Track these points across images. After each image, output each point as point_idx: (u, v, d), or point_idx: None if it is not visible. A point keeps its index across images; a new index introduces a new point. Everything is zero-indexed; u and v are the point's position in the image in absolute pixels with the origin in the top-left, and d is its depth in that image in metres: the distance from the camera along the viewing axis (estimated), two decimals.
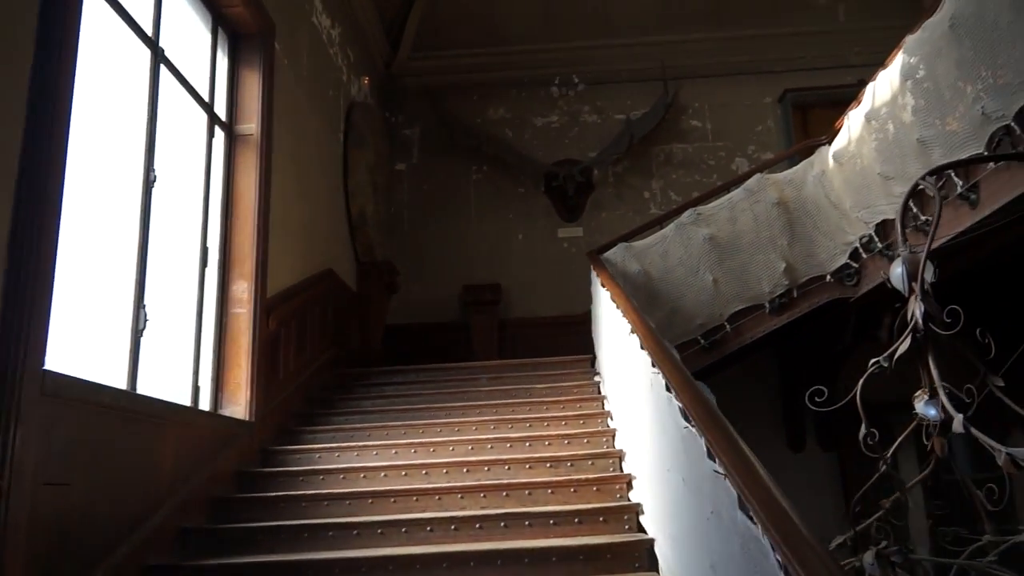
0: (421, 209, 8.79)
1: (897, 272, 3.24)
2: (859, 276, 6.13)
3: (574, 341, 7.94)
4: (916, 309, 3.14)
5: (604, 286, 5.11)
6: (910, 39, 4.91)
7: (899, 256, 3.25)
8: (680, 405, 2.61)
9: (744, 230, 6.34)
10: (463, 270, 8.51)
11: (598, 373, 5.76)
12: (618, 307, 4.43)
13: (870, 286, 6.04)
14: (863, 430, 3.22)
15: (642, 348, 3.50)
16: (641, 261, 6.25)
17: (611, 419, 4.69)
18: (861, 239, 5.84)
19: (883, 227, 5.58)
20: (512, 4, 9.03)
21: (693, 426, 2.40)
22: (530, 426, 4.72)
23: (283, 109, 5.38)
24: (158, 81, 4.03)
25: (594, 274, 6.02)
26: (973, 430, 2.79)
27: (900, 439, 3.53)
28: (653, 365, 3.19)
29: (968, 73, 4.35)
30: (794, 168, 6.52)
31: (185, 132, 4.46)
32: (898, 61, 5.03)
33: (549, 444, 4.40)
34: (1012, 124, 3.98)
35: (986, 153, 4.23)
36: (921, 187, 4.80)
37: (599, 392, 5.37)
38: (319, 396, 5.54)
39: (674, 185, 8.80)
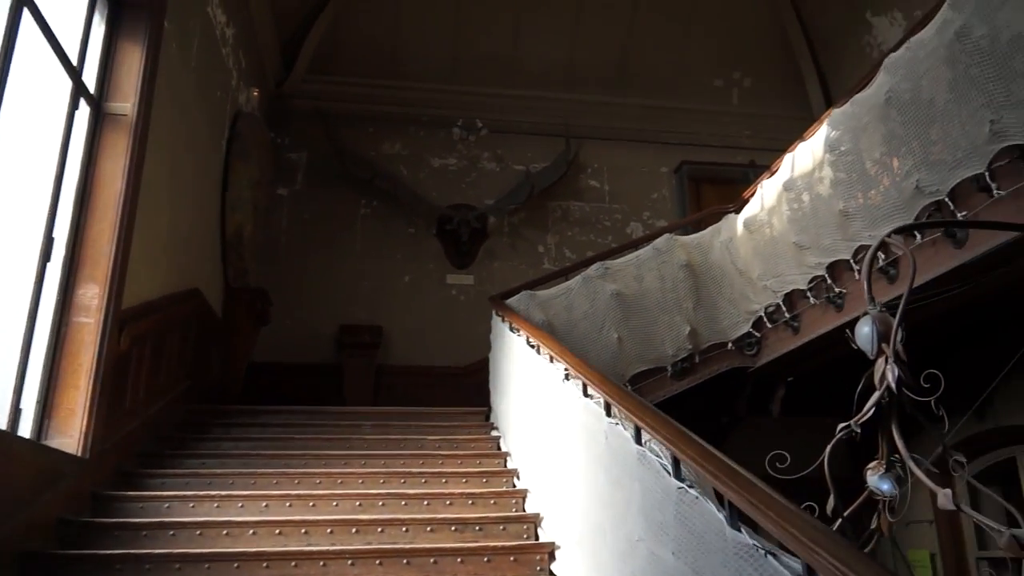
0: (301, 238, 8.05)
1: (865, 331, 2.98)
2: (760, 346, 6.05)
3: (457, 395, 7.42)
4: (888, 372, 2.89)
5: (520, 330, 4.65)
6: (836, 112, 4.94)
7: (867, 314, 3.00)
8: (663, 460, 2.17)
9: (650, 289, 6.14)
10: (341, 308, 7.81)
11: (495, 427, 5.24)
12: (543, 351, 3.98)
13: (769, 357, 5.98)
14: (831, 502, 2.90)
15: (586, 395, 3.05)
16: (545, 311, 5.86)
17: (518, 479, 4.18)
18: (767, 308, 5.77)
19: (791, 297, 5.52)
20: (419, 39, 8.68)
21: (693, 487, 1.96)
22: (426, 482, 4.11)
23: (166, 96, 4.64)
24: (17, 26, 3.26)
25: (499, 319, 5.58)
26: (966, 508, 2.52)
27: (846, 513, 3.25)
28: (609, 413, 2.74)
29: (896, 148, 4.37)
30: (701, 233, 6.45)
31: (42, 98, 3.66)
32: (821, 133, 5.04)
33: (451, 504, 3.82)
34: (945, 199, 3.97)
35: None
36: (844, 258, 4.80)
37: (499, 448, 4.85)
38: (171, 434, 4.65)
39: (569, 242, 8.60)
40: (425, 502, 3.79)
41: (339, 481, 4.05)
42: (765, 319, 5.81)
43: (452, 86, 8.80)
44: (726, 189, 8.92)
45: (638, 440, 2.47)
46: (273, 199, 7.96)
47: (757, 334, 5.96)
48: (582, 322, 5.95)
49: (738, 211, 6.41)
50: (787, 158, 5.46)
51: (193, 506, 3.64)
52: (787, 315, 5.56)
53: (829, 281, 5.02)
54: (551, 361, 3.86)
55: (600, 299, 5.98)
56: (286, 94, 8.48)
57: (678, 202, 8.87)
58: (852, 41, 8.80)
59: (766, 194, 5.75)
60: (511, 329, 4.96)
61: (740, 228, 6.08)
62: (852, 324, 4.94)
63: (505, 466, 4.49)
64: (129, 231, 3.98)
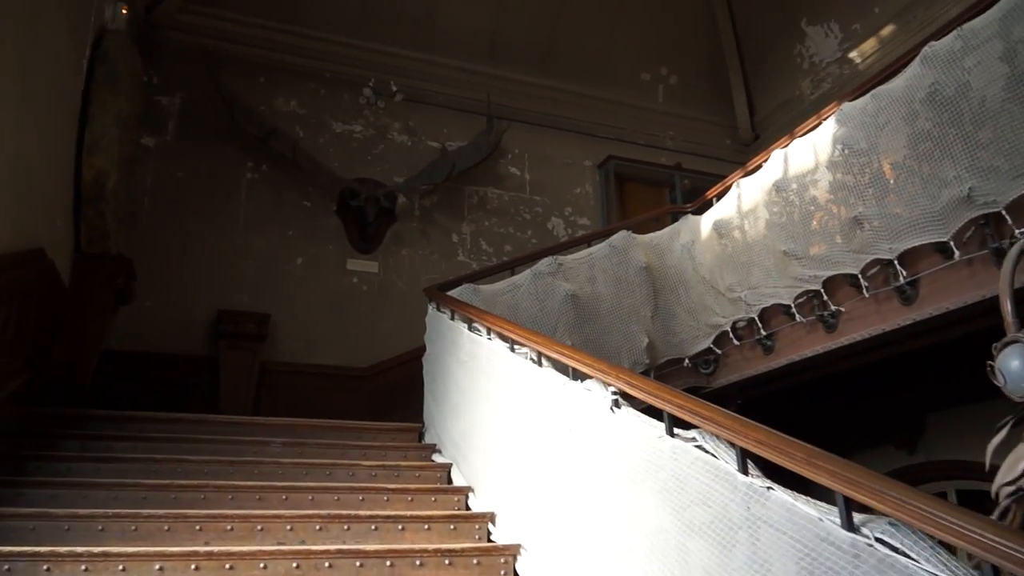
0: (171, 201, 6.59)
1: (1014, 366, 2.34)
2: (717, 364, 5.47)
3: (357, 402, 6.38)
4: None
5: (489, 330, 3.71)
6: (847, 106, 4.41)
7: (1016, 342, 2.36)
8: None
9: (604, 293, 5.40)
10: (219, 290, 6.45)
11: (437, 450, 4.25)
12: (535, 354, 3.08)
13: (728, 378, 5.41)
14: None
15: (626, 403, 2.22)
16: (489, 309, 4.93)
17: (494, 524, 3.25)
18: (735, 323, 5.18)
19: (767, 312, 4.96)
20: None
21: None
22: (376, 529, 3.09)
23: None
24: None
25: (442, 315, 4.59)
26: None
27: None
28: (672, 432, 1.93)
29: (929, 151, 3.87)
30: (659, 233, 5.79)
31: None
32: (826, 129, 4.51)
33: (422, 565, 2.82)
34: (1002, 212, 3.48)
35: (950, 240, 3.72)
36: (851, 272, 4.26)
37: (450, 479, 3.88)
38: (3, 450, 3.29)
39: (486, 233, 7.70)
40: (388, 562, 2.77)
41: (259, 528, 2.93)
42: (731, 335, 5.23)
43: (360, 41, 7.65)
44: (652, 190, 8.44)
45: (744, 469, 1.70)
46: (137, 149, 6.44)
47: (718, 351, 5.37)
48: (529, 325, 5.08)
49: (697, 212, 5.83)
50: (776, 155, 4.89)
51: (48, 569, 2.41)
52: (761, 332, 4.99)
53: (825, 297, 4.48)
54: (550, 366, 2.99)
55: (552, 300, 5.16)
56: (157, 23, 6.97)
57: (602, 200, 8.23)
58: (783, 50, 8.57)
59: (744, 194, 5.16)
60: (471, 328, 4.00)
61: (705, 231, 5.47)
62: (847, 348, 4.56)
63: (467, 506, 3.54)
64: None
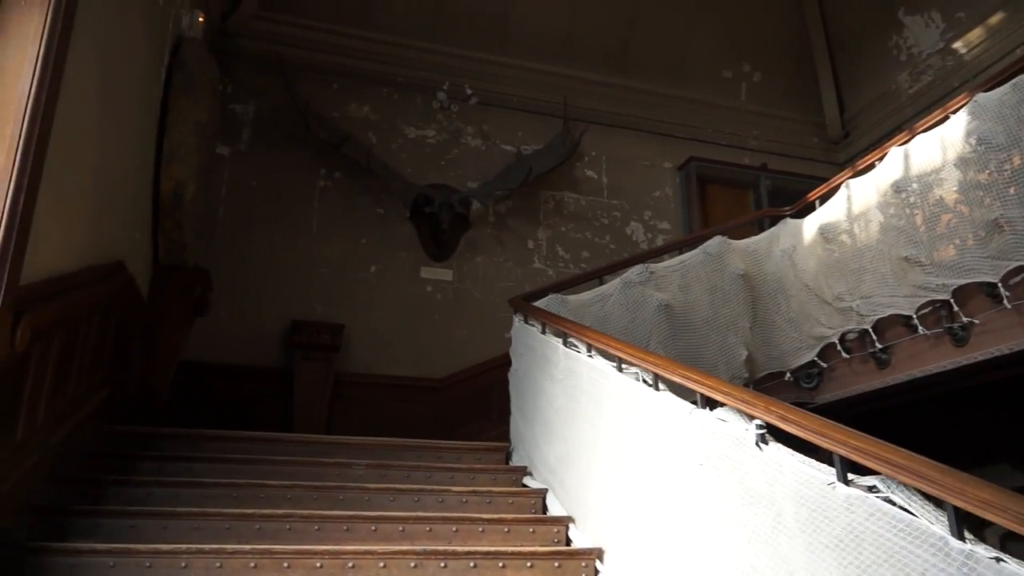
0: (244, 211, 6.49)
1: None
2: (821, 379, 5.05)
3: (433, 414, 6.18)
4: None
5: (589, 342, 3.40)
6: (982, 97, 3.96)
7: None
8: None
9: (698, 302, 5.04)
10: (292, 300, 6.32)
11: (528, 472, 3.97)
12: (658, 372, 2.76)
13: (835, 394, 4.98)
14: None
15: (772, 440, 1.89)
16: (577, 320, 4.63)
17: (601, 562, 2.94)
18: (844, 334, 4.76)
19: (883, 323, 4.52)
20: None
21: None
22: (476, 567, 2.82)
23: None
24: None
25: (531, 328, 4.31)
26: None
27: None
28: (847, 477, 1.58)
29: None
30: (756, 238, 5.40)
31: None
32: (957, 123, 4.06)
33: None
34: None
35: None
36: (990, 280, 3.81)
37: (545, 506, 3.59)
38: (82, 475, 3.14)
39: (562, 239, 7.40)
40: None
41: (351, 565, 2.69)
42: (839, 347, 4.81)
43: (432, 44, 7.45)
44: (734, 192, 8.01)
45: (960, 534, 1.35)
46: (213, 158, 6.37)
47: (823, 364, 4.95)
48: (620, 337, 4.76)
49: (797, 215, 5.42)
50: (895, 153, 4.46)
51: None
52: (876, 345, 4.55)
53: (955, 308, 4.04)
54: (667, 389, 2.67)
55: (645, 310, 4.83)
56: (231, 31, 6.90)
57: (682, 203, 7.85)
58: (876, 42, 8.03)
59: (855, 196, 4.74)
60: (567, 344, 3.71)
61: (809, 235, 5.06)
62: (980, 364, 4.10)
63: (568, 538, 3.24)
64: (38, 162, 2.50)
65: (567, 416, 3.56)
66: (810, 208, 5.29)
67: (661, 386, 2.78)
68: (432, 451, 4.13)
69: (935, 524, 1.58)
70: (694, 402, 2.56)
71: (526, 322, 4.42)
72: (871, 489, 1.77)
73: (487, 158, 7.40)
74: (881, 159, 4.61)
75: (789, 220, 5.35)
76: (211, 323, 5.62)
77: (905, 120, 7.78)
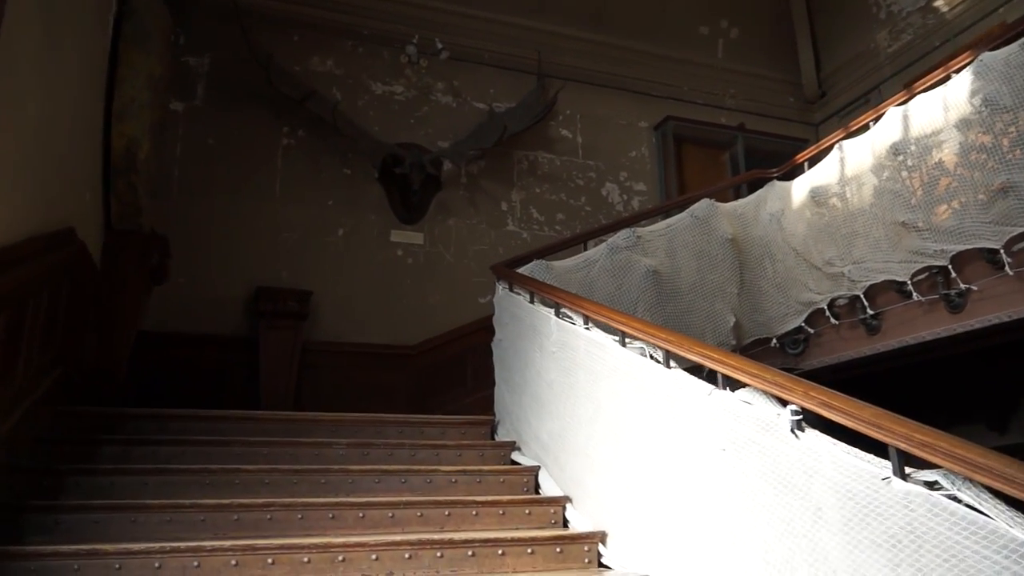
0: (202, 171, 6.10)
1: None
2: (807, 345, 4.96)
3: (406, 383, 5.96)
4: None
5: (586, 313, 3.21)
6: (988, 56, 3.80)
7: None
8: None
9: (685, 268, 4.89)
10: (256, 266, 5.99)
11: (516, 447, 3.79)
12: (671, 349, 2.59)
13: (821, 360, 4.90)
14: None
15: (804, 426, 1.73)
16: (563, 287, 4.43)
17: (604, 545, 2.79)
18: (833, 300, 4.66)
19: (874, 289, 4.42)
20: None
21: None
22: (473, 555, 2.63)
23: None
24: None
25: (517, 297, 4.10)
26: None
27: None
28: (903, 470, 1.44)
29: None
30: (743, 201, 5.24)
31: None
32: (960, 83, 3.90)
33: None
34: None
35: None
36: (992, 246, 3.70)
37: (537, 485, 3.42)
38: (36, 464, 2.86)
39: (536, 200, 7.16)
40: None
41: (340, 559, 2.48)
42: (827, 313, 4.71)
43: None
44: (711, 152, 7.85)
45: None
46: (166, 115, 5.95)
47: (810, 330, 4.86)
48: (606, 304, 4.57)
49: (784, 177, 5.27)
50: (893, 113, 4.30)
51: None
52: (868, 311, 4.46)
53: (953, 274, 3.94)
54: (677, 366, 2.49)
55: (631, 276, 4.66)
56: None
57: (659, 163, 7.65)
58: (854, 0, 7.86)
59: (848, 158, 4.59)
60: (559, 314, 3.50)
61: (799, 198, 4.92)
62: (974, 332, 4.02)
63: (565, 519, 3.08)
64: None
65: (561, 391, 3.37)
66: (799, 170, 5.15)
67: (672, 364, 2.60)
68: (415, 426, 3.93)
69: (1015, 527, 1.43)
70: (709, 379, 2.39)
71: (511, 290, 4.20)
72: (932, 485, 1.61)
73: (458, 116, 7.08)
74: (876, 119, 4.45)
75: (776, 182, 5.20)
76: (170, 291, 5.30)
77: (883, 80, 7.68)
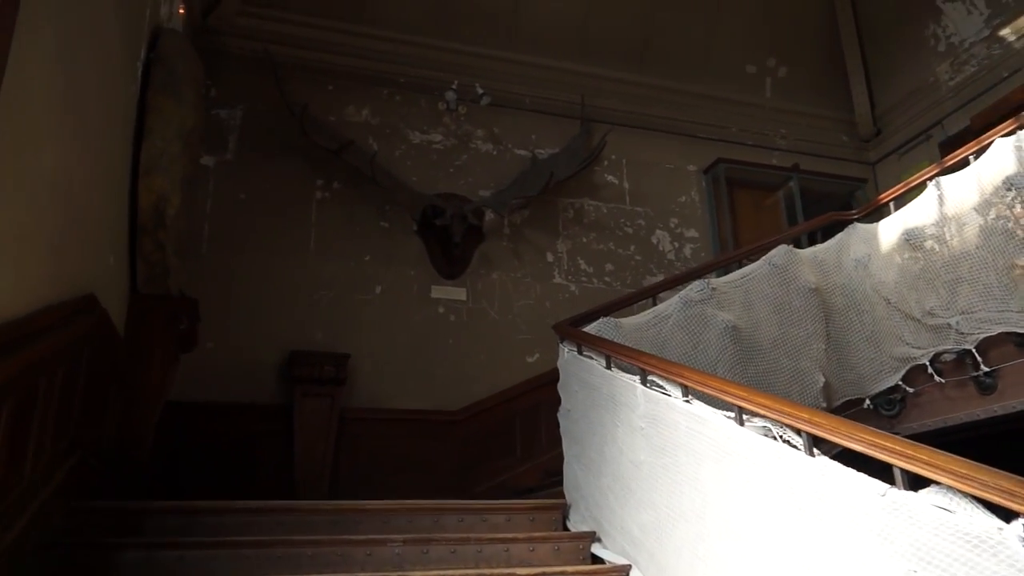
0: (232, 228, 5.76)
1: None
2: (903, 405, 4.42)
3: (448, 451, 5.50)
4: None
5: (687, 383, 2.74)
6: None
7: None
8: None
9: (763, 321, 4.40)
10: (289, 328, 5.59)
11: (598, 539, 3.27)
12: (816, 432, 2.10)
13: (922, 424, 4.34)
14: None
15: None
16: (635, 346, 3.96)
17: None
18: (938, 355, 4.14)
19: (988, 343, 3.90)
20: None
21: None
22: None
23: None
24: None
25: (586, 359, 3.63)
26: None
27: None
28: None
29: None
30: (820, 247, 4.77)
31: None
32: None
33: None
34: None
35: None
36: None
37: None
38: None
39: (583, 250, 6.74)
40: None
41: None
42: (930, 369, 4.18)
43: (436, 41, 6.78)
44: (763, 195, 7.41)
45: None
46: (196, 170, 5.63)
47: (909, 389, 4.32)
48: (684, 363, 4.09)
49: (862, 218, 4.82)
50: (1001, 145, 3.84)
51: None
52: (982, 368, 3.93)
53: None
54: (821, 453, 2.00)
55: (708, 333, 4.17)
56: (213, 28, 6.19)
57: (709, 208, 7.22)
58: (911, 32, 7.49)
59: (948, 196, 4.12)
60: (647, 383, 3.02)
61: (888, 242, 4.44)
62: None
63: None
64: None
65: (653, 475, 2.88)
66: (883, 212, 4.69)
67: (816, 451, 2.11)
68: (476, 513, 3.43)
69: None
70: (899, 483, 1.88)
71: (580, 353, 3.73)
72: None
73: (499, 164, 6.73)
74: (978, 153, 4.00)
75: (859, 225, 4.73)
76: (198, 358, 4.87)
77: (946, 115, 7.24)
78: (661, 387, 2.96)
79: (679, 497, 2.69)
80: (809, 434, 2.11)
